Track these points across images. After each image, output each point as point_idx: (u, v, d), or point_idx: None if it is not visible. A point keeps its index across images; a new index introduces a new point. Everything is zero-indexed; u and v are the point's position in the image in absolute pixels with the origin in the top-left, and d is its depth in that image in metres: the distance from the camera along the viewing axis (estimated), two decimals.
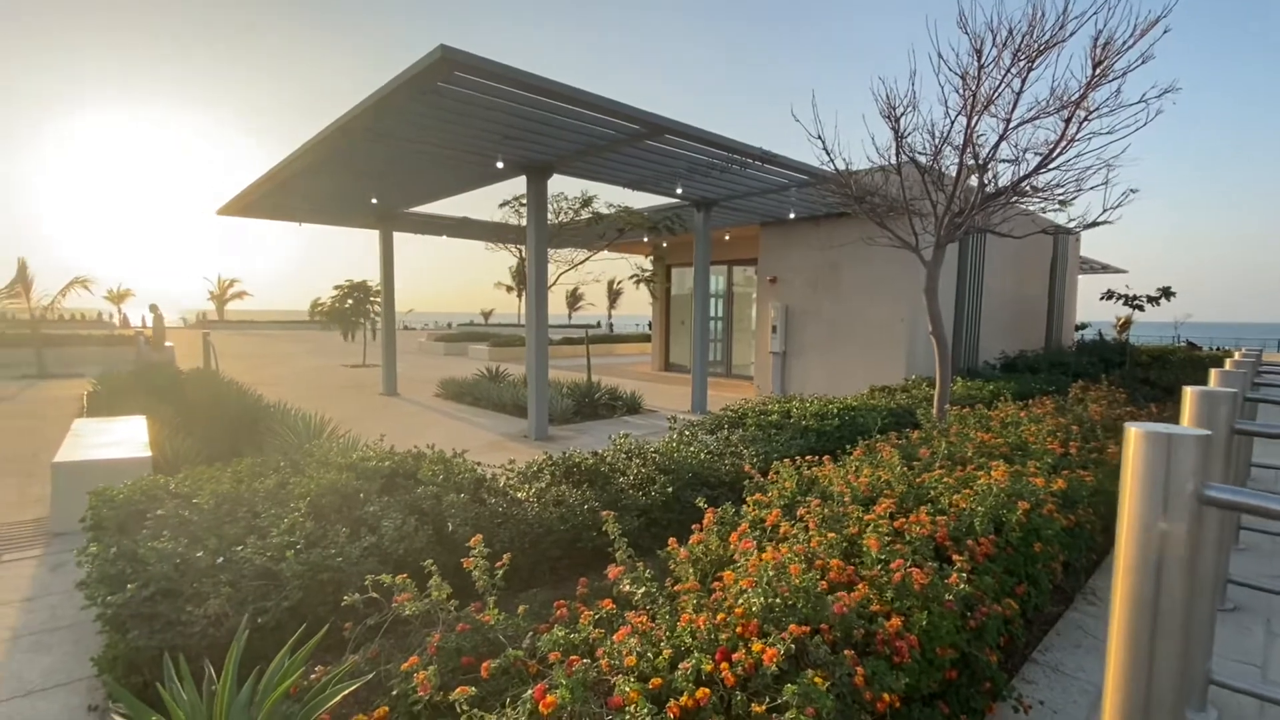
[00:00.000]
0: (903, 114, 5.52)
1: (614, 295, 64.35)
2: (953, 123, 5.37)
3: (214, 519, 2.87)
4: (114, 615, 2.21)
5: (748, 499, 3.27)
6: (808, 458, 3.88)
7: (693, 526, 2.93)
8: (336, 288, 17.36)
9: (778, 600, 2.02)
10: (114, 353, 16.20)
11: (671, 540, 2.70)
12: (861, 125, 5.92)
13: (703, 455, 4.47)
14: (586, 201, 9.73)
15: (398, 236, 12.26)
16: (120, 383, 8.31)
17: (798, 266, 11.74)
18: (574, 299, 63.41)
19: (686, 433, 5.07)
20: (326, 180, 8.73)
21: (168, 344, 18.08)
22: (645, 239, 13.44)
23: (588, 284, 15.81)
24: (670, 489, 3.80)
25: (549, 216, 8.70)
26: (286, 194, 9.52)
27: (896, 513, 2.85)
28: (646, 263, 16.50)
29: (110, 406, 6.94)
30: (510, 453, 6.88)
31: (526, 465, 4.02)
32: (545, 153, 7.43)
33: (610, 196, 10.17)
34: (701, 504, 3.11)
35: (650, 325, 20.80)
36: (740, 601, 2.00)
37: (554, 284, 10.14)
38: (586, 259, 11.04)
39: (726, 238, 13.79)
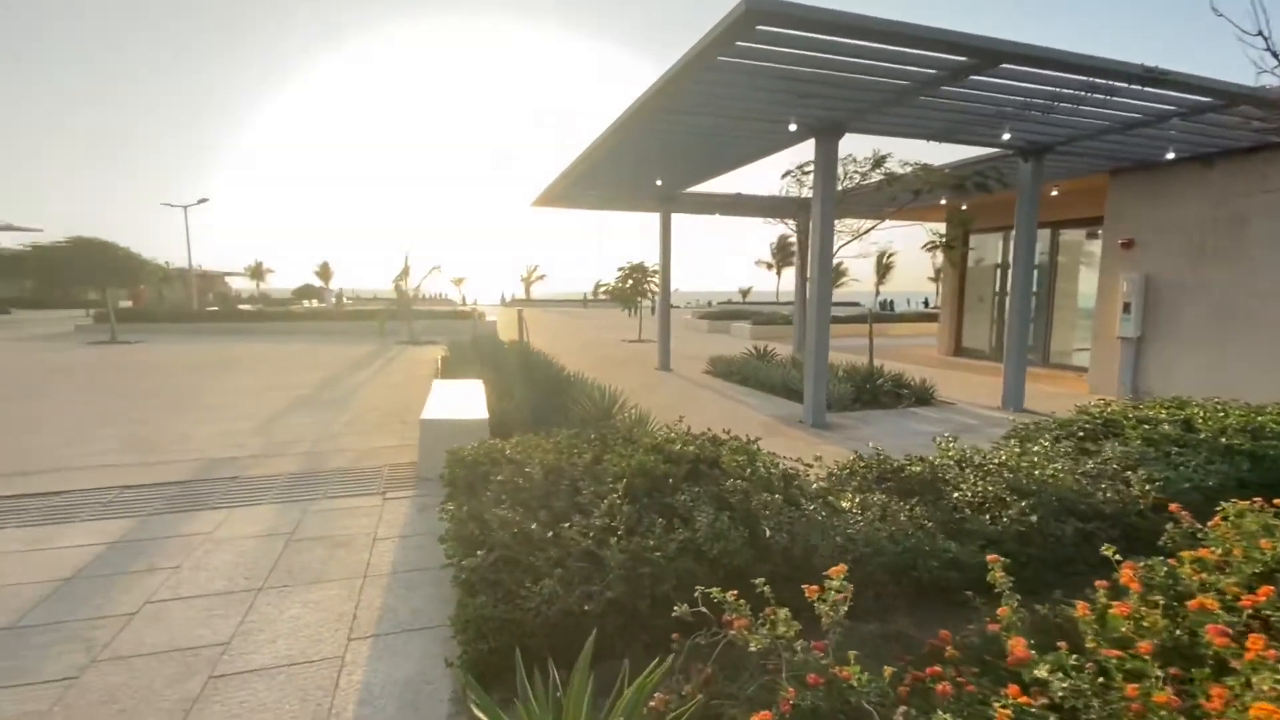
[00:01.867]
0: None
1: (884, 270, 58.89)
2: None
3: (542, 489, 3.01)
4: (465, 579, 2.36)
5: (1179, 554, 2.29)
6: (1257, 500, 2.63)
7: (1096, 584, 2.11)
8: (620, 269, 18.88)
9: None
10: (459, 325, 20.25)
11: (1081, 606, 1.94)
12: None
13: (1062, 475, 3.43)
14: (879, 161, 8.61)
15: (646, 218, 12.61)
16: (462, 351, 10.09)
17: (1169, 224, 8.87)
18: (836, 274, 59.96)
19: (1045, 441, 3.98)
20: (620, 167, 9.22)
21: (491, 319, 21.89)
22: (943, 201, 11.61)
23: (868, 256, 14.40)
24: (1033, 517, 2.93)
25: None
26: (588, 183, 10.37)
27: None
28: (940, 229, 14.36)
29: (457, 370, 8.41)
30: (786, 438, 6.44)
31: (838, 466, 3.51)
32: (839, 109, 6.66)
33: (903, 154, 8.81)
34: (1111, 554, 2.25)
35: (926, 303, 18.24)
36: None
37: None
38: (872, 227, 9.87)
39: (1054, 193, 11.15)
